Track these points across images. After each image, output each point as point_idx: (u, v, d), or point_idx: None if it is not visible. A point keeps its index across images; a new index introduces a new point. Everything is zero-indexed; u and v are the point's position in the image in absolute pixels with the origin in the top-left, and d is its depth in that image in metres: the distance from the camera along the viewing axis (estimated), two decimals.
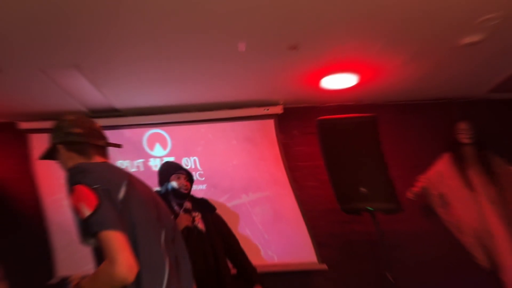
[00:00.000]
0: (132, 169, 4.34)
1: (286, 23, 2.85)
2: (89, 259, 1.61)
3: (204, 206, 3.15)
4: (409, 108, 4.45)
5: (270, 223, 4.20)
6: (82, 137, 1.73)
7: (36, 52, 3.10)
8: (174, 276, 1.57)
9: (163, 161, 4.21)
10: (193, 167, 4.34)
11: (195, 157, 4.38)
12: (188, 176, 3.14)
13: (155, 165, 4.33)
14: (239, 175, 4.32)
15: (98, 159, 1.74)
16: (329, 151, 3.54)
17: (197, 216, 3.01)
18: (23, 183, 4.36)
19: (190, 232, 2.88)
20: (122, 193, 1.53)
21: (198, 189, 4.23)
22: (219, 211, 3.26)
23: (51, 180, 4.30)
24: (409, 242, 4.11)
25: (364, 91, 4.17)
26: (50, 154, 1.82)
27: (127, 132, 4.41)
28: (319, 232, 4.18)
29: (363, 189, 3.36)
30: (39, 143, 4.39)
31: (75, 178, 1.51)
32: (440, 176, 3.90)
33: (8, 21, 2.65)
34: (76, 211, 1.45)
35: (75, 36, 2.89)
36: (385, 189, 3.36)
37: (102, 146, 1.79)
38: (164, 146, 4.43)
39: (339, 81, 3.86)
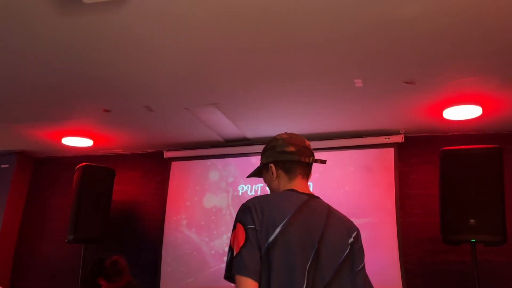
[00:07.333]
0: (250, 193, 4.72)
1: (400, 60, 2.99)
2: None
3: None
4: None
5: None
6: (294, 156, 1.74)
7: (181, 93, 3.67)
8: None
9: None
10: None
11: (310, 183, 4.59)
12: None
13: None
14: (347, 201, 4.32)
15: (298, 180, 1.80)
16: (447, 181, 3.56)
17: None
18: (155, 204, 5.05)
19: None
20: (273, 236, 1.51)
21: None
22: None
23: (178, 202, 4.91)
24: (504, 274, 3.82)
25: (488, 122, 4.03)
26: (258, 172, 1.85)
27: (253, 159, 4.82)
28: (410, 260, 4.10)
29: (472, 221, 3.31)
30: (178, 169, 5.06)
31: (238, 216, 1.60)
32: None
33: (159, 69, 3.22)
34: (230, 248, 1.56)
35: (215, 78, 3.37)
36: (494, 222, 3.29)
37: (309, 163, 1.80)
38: None
39: (463, 113, 3.82)
